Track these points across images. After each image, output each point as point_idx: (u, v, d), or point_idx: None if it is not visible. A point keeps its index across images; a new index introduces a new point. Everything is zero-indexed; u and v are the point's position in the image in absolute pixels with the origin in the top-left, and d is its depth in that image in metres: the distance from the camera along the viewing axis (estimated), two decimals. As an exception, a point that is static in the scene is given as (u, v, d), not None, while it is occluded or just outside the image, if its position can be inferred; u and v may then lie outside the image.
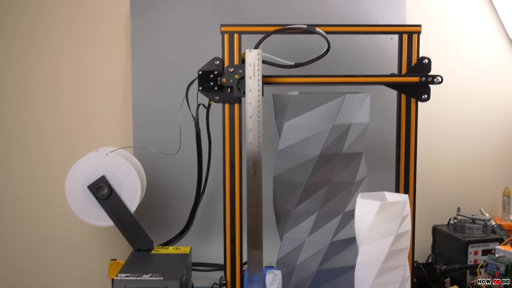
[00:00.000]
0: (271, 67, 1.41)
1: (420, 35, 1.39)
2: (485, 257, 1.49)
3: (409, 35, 1.38)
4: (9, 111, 1.80)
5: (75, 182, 1.47)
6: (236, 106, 1.38)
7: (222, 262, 1.39)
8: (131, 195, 1.48)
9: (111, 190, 1.46)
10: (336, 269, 1.31)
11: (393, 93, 1.41)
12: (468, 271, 1.54)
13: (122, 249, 1.75)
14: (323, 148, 1.28)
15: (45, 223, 1.82)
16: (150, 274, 1.31)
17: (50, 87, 1.79)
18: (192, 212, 1.60)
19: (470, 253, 1.56)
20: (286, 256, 1.34)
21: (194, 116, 1.47)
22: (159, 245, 1.57)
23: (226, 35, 1.37)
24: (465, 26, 1.84)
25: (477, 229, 1.60)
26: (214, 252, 1.73)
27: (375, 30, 1.43)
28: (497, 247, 1.32)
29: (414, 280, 1.43)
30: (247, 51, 1.33)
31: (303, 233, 1.32)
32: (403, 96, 1.40)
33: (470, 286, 1.38)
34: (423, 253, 1.77)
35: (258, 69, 1.33)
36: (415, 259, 1.67)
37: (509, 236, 1.58)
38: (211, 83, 1.37)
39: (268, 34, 1.36)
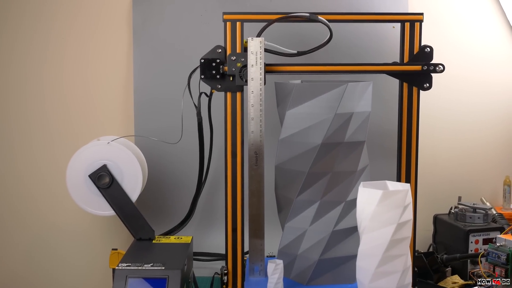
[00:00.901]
0: (274, 56, 1.41)
1: (422, 24, 1.38)
2: (486, 246, 1.50)
3: (411, 23, 1.38)
4: (12, 100, 1.79)
5: (76, 171, 1.47)
6: (238, 94, 1.37)
7: (224, 252, 1.39)
8: (133, 184, 1.48)
9: (112, 179, 1.46)
10: (338, 258, 1.31)
11: (396, 81, 1.41)
12: (469, 260, 1.55)
13: (123, 239, 1.75)
14: (325, 137, 1.27)
15: (47, 212, 1.82)
16: (151, 264, 1.31)
17: (53, 75, 1.79)
18: (194, 201, 1.60)
19: (471, 242, 1.56)
20: (288, 245, 1.34)
21: (196, 104, 1.46)
22: (161, 234, 1.57)
23: (228, 23, 1.36)
24: (467, 15, 1.84)
25: (478, 218, 1.60)
26: (216, 241, 1.73)
27: (377, 18, 1.42)
28: (498, 236, 1.32)
29: (415, 269, 1.43)
30: (249, 39, 1.32)
31: (305, 222, 1.32)
32: (405, 85, 1.40)
33: (471, 275, 1.38)
34: (424, 242, 1.77)
35: (260, 57, 1.32)
36: (416, 248, 1.67)
37: (510, 225, 1.58)
38: (213, 72, 1.36)
39: (270, 22, 1.35)
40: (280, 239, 1.35)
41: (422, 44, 1.38)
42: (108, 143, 1.47)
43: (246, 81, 1.33)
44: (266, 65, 1.34)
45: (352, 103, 1.29)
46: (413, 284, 1.43)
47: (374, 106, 1.65)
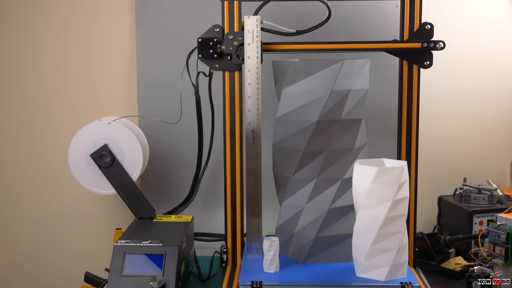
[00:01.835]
0: (273, 35, 1.40)
1: (422, 1, 1.37)
2: (491, 228, 1.48)
3: (411, 0, 1.36)
4: (14, 80, 1.81)
5: (78, 151, 1.48)
6: (236, 74, 1.37)
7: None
8: (133, 164, 1.49)
9: (113, 159, 1.47)
10: (334, 236, 1.31)
11: (397, 60, 1.39)
12: (472, 241, 1.53)
13: (128, 219, 1.76)
14: (321, 114, 1.27)
15: (51, 193, 1.84)
16: (150, 241, 1.32)
17: (56, 57, 1.80)
18: (194, 181, 1.61)
19: (475, 223, 1.55)
20: (285, 223, 1.34)
21: (194, 84, 1.47)
22: (163, 214, 1.58)
23: (226, 2, 1.36)
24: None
25: (483, 199, 1.59)
26: (219, 222, 1.73)
27: (377, -5, 1.41)
28: (498, 215, 1.30)
29: (416, 249, 1.42)
30: (245, 17, 1.32)
31: (302, 200, 1.32)
32: (405, 63, 1.38)
33: (471, 254, 1.37)
34: (430, 224, 1.76)
35: (257, 35, 1.32)
36: (421, 230, 1.66)
37: (515, 206, 1.56)
38: (211, 51, 1.36)
39: (267, 0, 1.35)
40: (278, 217, 1.35)
41: (422, 21, 1.37)
42: (109, 123, 1.48)
43: (243, 59, 1.33)
44: (263, 44, 1.34)
45: (349, 80, 1.28)
46: (414, 264, 1.42)
47: (377, 86, 1.64)
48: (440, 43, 1.36)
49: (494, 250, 1.29)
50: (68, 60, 1.80)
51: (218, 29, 1.37)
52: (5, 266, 1.88)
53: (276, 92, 1.36)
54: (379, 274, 1.20)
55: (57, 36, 1.79)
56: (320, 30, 1.39)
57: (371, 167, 1.18)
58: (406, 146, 1.40)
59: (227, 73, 1.38)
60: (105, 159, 1.47)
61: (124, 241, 1.32)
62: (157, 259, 1.27)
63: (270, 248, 1.24)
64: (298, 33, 1.42)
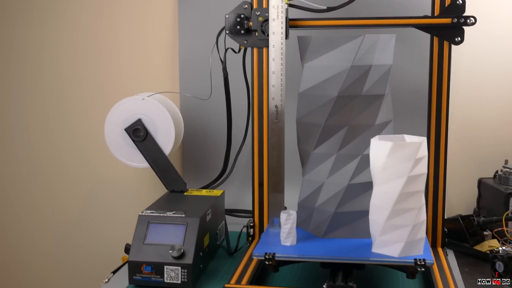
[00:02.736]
0: (303, 12, 1.41)
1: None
2: (530, 210, 1.43)
3: (442, -26, 1.33)
4: (65, 56, 1.90)
5: (114, 125, 1.54)
6: (265, 50, 1.39)
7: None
8: (166, 138, 1.53)
9: (147, 133, 1.52)
10: (354, 212, 1.30)
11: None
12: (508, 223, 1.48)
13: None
14: (341, 89, 1.26)
15: (97, 166, 1.93)
16: (174, 212, 1.36)
17: (106, 33, 1.88)
18: (226, 157, 1.63)
19: (512, 205, 1.50)
20: (306, 198, 1.34)
21: (222, 59, 1.49)
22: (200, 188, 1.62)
23: (255, -20, 1.37)
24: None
25: (522, 181, 1.53)
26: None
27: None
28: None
29: (445, 230, 1.39)
30: (271, -7, 1.33)
31: (322, 175, 1.31)
32: (436, 39, 1.35)
33: (495, 233, 1.33)
34: (470, 207, 1.72)
35: (282, 11, 1.32)
36: (460, 213, 1.62)
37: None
38: (238, 27, 1.38)
39: (294, -25, 1.36)
40: (299, 192, 1.36)
41: (453, -3, 1.33)
42: (143, 98, 1.53)
43: (268, 35, 1.34)
44: (290, 20, 1.34)
45: (371, 55, 1.26)
46: (442, 245, 1.40)
47: (414, 65, 1.61)
48: (471, 18, 1.32)
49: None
50: (119, 36, 1.87)
51: (246, 6, 1.38)
52: (53, 234, 1.99)
53: (302, 67, 1.37)
54: (394, 250, 1.19)
55: (102, 13, 1.86)
56: (349, 7, 1.38)
57: (386, 142, 1.16)
58: (436, 124, 1.37)
59: (255, 50, 1.40)
60: (138, 133, 1.52)
61: (149, 211, 1.36)
62: (179, 229, 1.31)
63: (287, 221, 1.25)
64: (329, 9, 1.42)
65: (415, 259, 1.16)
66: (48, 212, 1.99)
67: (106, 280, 1.35)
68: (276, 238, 1.29)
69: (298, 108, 1.34)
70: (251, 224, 1.45)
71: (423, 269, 1.16)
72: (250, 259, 1.34)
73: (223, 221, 1.55)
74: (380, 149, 1.18)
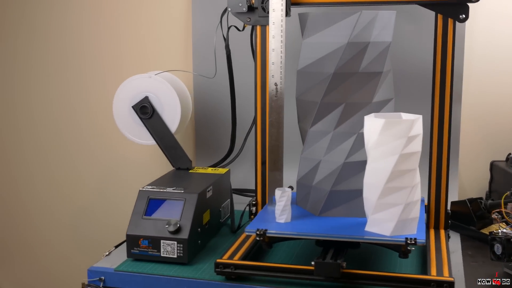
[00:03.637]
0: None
1: None
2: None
3: (445, -51, 1.30)
4: (87, 41, 1.94)
5: (121, 102, 1.57)
6: (267, 28, 1.38)
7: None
8: (172, 116, 1.55)
9: (153, 110, 1.54)
10: (350, 191, 1.29)
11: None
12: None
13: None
14: (338, 66, 1.25)
15: (116, 144, 1.96)
16: (174, 188, 1.37)
17: (124, 14, 1.91)
18: (232, 136, 1.64)
19: (523, 189, 1.46)
20: (304, 176, 1.34)
21: (225, 37, 1.49)
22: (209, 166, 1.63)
23: (258, -43, 1.37)
24: None
25: (533, 164, 1.49)
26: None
27: None
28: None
29: (449, 211, 1.36)
30: (270, -30, 1.32)
31: (319, 153, 1.31)
32: (440, 17, 1.32)
33: (492, 215, 1.30)
34: (483, 190, 1.68)
35: (282, -12, 1.32)
36: (472, 196, 1.59)
37: None
38: (240, 4, 1.38)
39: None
40: (297, 170, 1.36)
41: (458, -28, 1.30)
42: (150, 76, 1.55)
43: (268, 12, 1.34)
44: (292, -3, 1.34)
45: (368, 32, 1.25)
46: (446, 227, 1.38)
47: (424, 45, 1.58)
48: (475, -6, 1.29)
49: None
50: (130, 16, 1.90)
51: (249, -17, 1.38)
52: (73, 209, 2.05)
53: (302, 45, 1.36)
54: (385, 229, 1.18)
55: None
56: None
57: (379, 119, 1.15)
58: (439, 103, 1.35)
59: (258, 27, 1.40)
60: (145, 111, 1.54)
61: (150, 187, 1.39)
62: (177, 205, 1.33)
63: (281, 198, 1.25)
64: (332, -14, 1.41)
65: (406, 238, 1.15)
66: (67, 187, 2.04)
67: (107, 253, 1.38)
68: (272, 215, 1.29)
69: (297, 85, 1.33)
70: (253, 202, 1.46)
71: (413, 248, 1.14)
72: (248, 237, 1.35)
73: (228, 199, 1.56)
74: (373, 126, 1.17)
